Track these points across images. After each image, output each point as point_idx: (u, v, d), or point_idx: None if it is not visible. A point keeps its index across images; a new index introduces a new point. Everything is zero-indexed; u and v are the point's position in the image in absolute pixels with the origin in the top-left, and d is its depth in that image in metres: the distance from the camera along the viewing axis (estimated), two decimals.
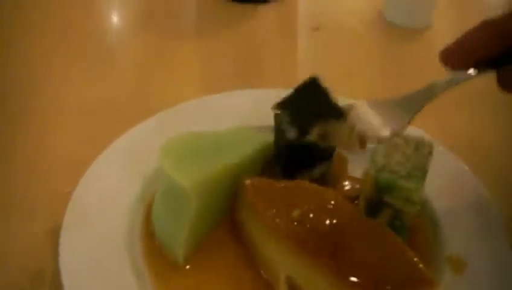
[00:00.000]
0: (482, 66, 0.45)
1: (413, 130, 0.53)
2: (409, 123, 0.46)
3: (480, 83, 0.48)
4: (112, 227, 0.53)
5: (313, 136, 0.47)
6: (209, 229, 0.55)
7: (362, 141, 0.45)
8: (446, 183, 0.58)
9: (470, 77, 0.46)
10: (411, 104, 0.46)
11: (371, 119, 0.45)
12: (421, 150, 0.53)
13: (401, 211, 0.52)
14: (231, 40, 0.90)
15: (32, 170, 0.64)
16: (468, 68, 0.45)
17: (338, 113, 0.44)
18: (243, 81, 0.79)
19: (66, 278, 0.48)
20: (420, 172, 0.51)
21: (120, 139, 0.62)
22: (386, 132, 0.45)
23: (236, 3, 0.97)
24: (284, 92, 0.68)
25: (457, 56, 0.46)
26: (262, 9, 0.97)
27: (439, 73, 0.77)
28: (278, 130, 0.57)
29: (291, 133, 0.46)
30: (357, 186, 0.59)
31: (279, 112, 0.48)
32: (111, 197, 0.56)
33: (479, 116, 0.74)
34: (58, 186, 0.60)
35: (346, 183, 0.60)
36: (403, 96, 0.47)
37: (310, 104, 0.46)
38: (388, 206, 0.52)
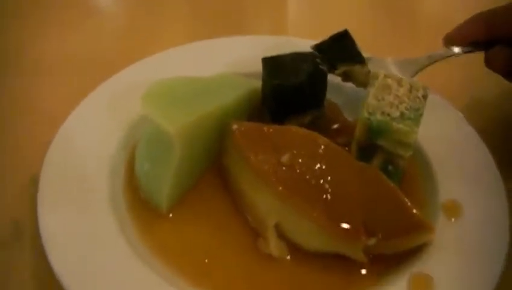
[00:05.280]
0: (473, 47, 0.59)
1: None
2: (414, 74, 0.58)
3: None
4: (93, 177, 0.51)
5: (339, 72, 0.57)
6: (195, 177, 0.53)
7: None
8: (439, 130, 0.56)
9: (463, 52, 0.59)
10: (413, 64, 0.59)
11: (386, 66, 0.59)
12: (415, 93, 0.51)
13: (394, 155, 0.50)
14: None
15: (13, 122, 0.61)
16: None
17: (361, 59, 0.57)
18: (231, 29, 0.76)
19: (44, 232, 0.46)
20: (414, 114, 0.49)
21: (101, 86, 0.59)
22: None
23: None
24: (271, 39, 0.67)
25: (456, 40, 0.60)
26: None
27: None
28: (267, 74, 0.55)
29: (324, 67, 0.55)
30: (351, 132, 0.57)
31: (315, 52, 0.57)
32: (92, 146, 0.53)
33: (469, 66, 0.72)
34: (38, 137, 0.57)
35: (340, 129, 0.58)
36: (405, 59, 0.60)
37: (340, 49, 0.57)
38: (381, 150, 0.50)
